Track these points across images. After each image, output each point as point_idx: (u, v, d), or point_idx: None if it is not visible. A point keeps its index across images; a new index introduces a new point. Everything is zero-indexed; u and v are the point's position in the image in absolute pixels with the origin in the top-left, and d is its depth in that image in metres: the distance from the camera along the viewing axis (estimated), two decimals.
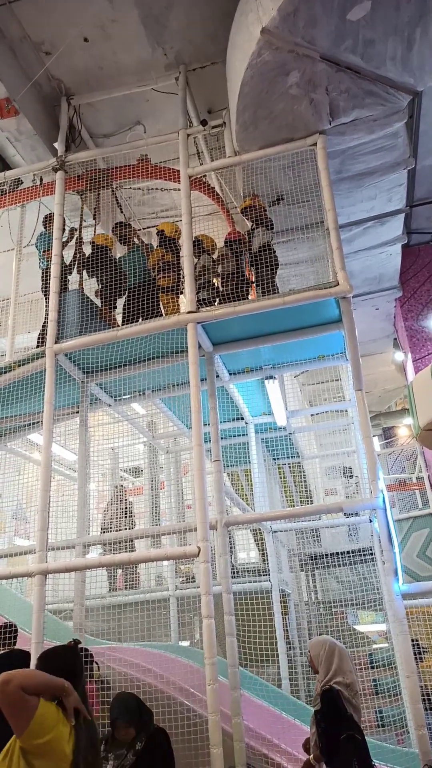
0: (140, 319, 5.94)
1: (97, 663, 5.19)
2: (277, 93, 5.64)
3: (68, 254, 6.57)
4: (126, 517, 8.76)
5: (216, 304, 5.95)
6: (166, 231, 6.48)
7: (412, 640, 4.69)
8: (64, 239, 6.51)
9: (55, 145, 6.85)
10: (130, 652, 6.15)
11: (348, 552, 8.25)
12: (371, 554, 7.55)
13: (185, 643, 8.08)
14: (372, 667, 6.75)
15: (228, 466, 9.12)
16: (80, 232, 6.77)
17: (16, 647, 5.33)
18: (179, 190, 6.25)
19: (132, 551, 7.26)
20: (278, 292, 5.87)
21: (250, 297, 6.47)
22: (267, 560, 8.00)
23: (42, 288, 6.44)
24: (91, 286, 6.56)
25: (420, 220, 9.44)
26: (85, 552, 5.73)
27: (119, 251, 7.49)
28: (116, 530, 8.23)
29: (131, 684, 5.14)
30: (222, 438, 6.68)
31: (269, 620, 7.05)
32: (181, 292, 6.10)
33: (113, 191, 7.23)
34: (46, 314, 6.08)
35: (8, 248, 7.62)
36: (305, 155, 6.10)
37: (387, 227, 8.17)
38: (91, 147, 7.40)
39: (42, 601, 4.87)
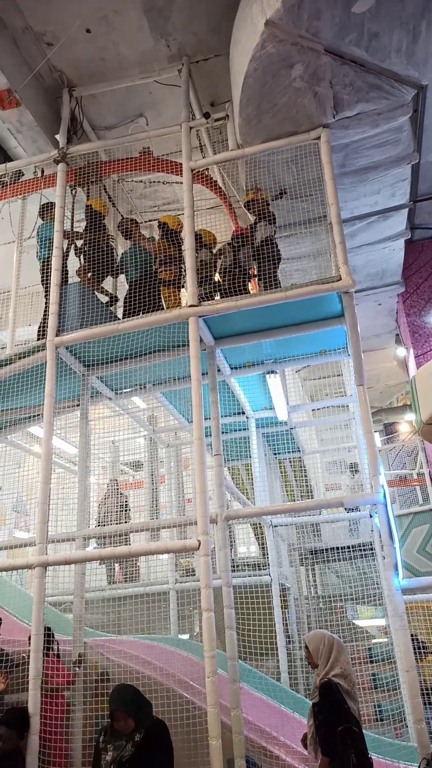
0: (141, 313, 5.93)
1: (83, 655, 5.25)
2: (281, 86, 5.60)
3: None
4: (123, 511, 8.77)
5: (217, 298, 5.94)
6: (169, 224, 6.46)
7: (412, 635, 4.70)
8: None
9: (57, 137, 6.82)
10: (129, 644, 6.17)
11: (348, 547, 8.27)
12: (371, 549, 7.57)
13: (185, 636, 8.11)
14: (371, 662, 6.77)
15: (229, 461, 9.12)
16: (72, 225, 6.76)
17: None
18: (181, 183, 6.22)
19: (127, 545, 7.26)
20: (280, 287, 5.86)
21: (251, 291, 6.46)
22: (267, 554, 8.01)
23: (42, 280, 6.42)
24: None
25: (423, 215, 9.39)
26: (85, 545, 5.74)
27: (122, 246, 7.49)
28: (111, 524, 8.24)
29: (131, 676, 5.17)
30: (223, 432, 6.68)
31: (269, 614, 7.07)
32: (183, 286, 6.09)
33: (104, 187, 7.19)
34: (47, 306, 6.08)
35: (9, 241, 7.60)
36: (309, 149, 6.07)
37: (390, 222, 8.14)
38: (92, 139, 7.37)
39: (42, 593, 4.88)
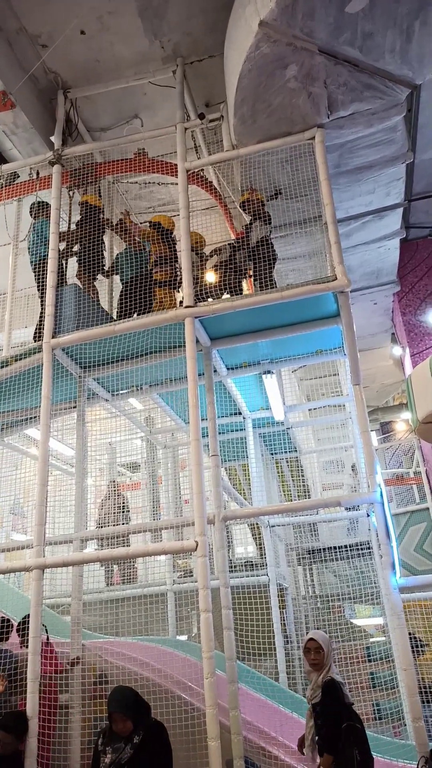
0: (135, 314, 5.92)
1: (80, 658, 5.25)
2: (276, 86, 5.61)
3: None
4: (122, 512, 8.76)
5: (208, 300, 5.94)
6: (162, 223, 6.46)
7: (409, 634, 4.71)
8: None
9: (52, 138, 6.81)
10: (127, 646, 6.16)
11: (345, 546, 8.27)
12: (369, 548, 7.57)
13: (183, 637, 8.10)
14: (369, 661, 6.78)
15: (226, 461, 9.12)
16: (69, 226, 6.77)
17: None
18: (176, 184, 6.22)
19: (127, 546, 7.26)
20: (276, 287, 5.86)
21: (247, 290, 6.46)
22: (264, 554, 8.01)
23: (36, 280, 6.40)
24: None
25: (418, 214, 9.41)
26: (83, 547, 5.74)
27: (117, 247, 7.49)
28: (111, 525, 8.23)
29: (129, 678, 5.16)
30: (220, 433, 6.68)
31: (267, 614, 7.07)
32: (177, 287, 6.09)
33: (98, 190, 7.20)
34: (41, 307, 6.08)
35: (4, 243, 7.58)
36: (303, 149, 6.07)
37: (385, 221, 8.15)
38: (88, 140, 7.37)
39: (39, 595, 4.87)
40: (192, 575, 8.59)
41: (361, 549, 7.72)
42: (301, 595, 10.15)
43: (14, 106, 6.48)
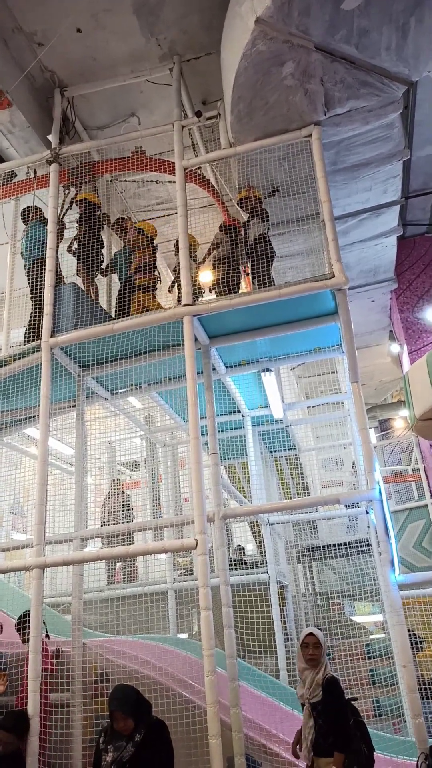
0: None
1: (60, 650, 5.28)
2: (272, 84, 5.60)
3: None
4: (124, 510, 8.77)
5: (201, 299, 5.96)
6: (146, 230, 6.48)
7: (408, 631, 4.72)
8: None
9: (49, 137, 6.80)
10: (128, 644, 6.17)
11: (345, 543, 8.28)
12: (368, 546, 7.59)
13: (184, 635, 8.11)
14: (369, 658, 6.79)
15: (225, 459, 9.13)
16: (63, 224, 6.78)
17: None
18: (174, 182, 6.22)
19: (130, 545, 7.26)
20: (274, 285, 5.86)
21: (245, 288, 6.47)
22: (264, 552, 8.02)
23: (29, 282, 6.40)
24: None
25: (415, 211, 9.43)
26: (83, 546, 5.74)
27: (116, 246, 7.49)
28: (114, 524, 8.23)
29: (130, 676, 5.17)
30: (219, 431, 6.68)
31: (267, 612, 7.08)
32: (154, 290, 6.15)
33: (95, 188, 7.20)
34: (33, 309, 6.09)
35: (2, 242, 7.57)
36: (300, 146, 6.08)
37: (382, 219, 8.15)
38: (85, 139, 7.35)
39: (40, 594, 4.88)
40: (192, 573, 8.60)
41: (361, 546, 7.74)
42: (301, 592, 10.17)
43: (11, 104, 6.47)
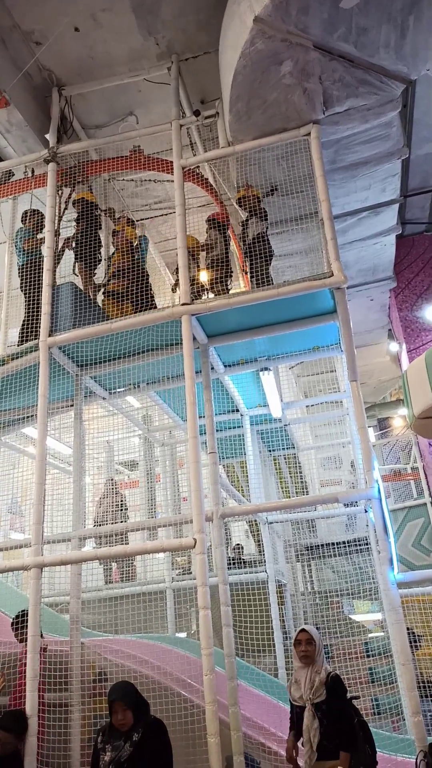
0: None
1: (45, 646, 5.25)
2: (271, 82, 5.60)
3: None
4: (121, 510, 8.76)
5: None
6: (128, 235, 6.47)
7: (407, 629, 4.72)
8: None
9: (47, 136, 6.79)
10: (127, 643, 6.16)
11: (343, 542, 8.28)
12: (367, 544, 7.59)
13: (182, 635, 8.11)
14: (368, 656, 6.79)
15: (224, 458, 9.12)
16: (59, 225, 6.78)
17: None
18: (172, 181, 6.21)
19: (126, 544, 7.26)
20: (272, 284, 5.86)
21: (244, 287, 6.46)
22: (263, 551, 8.02)
23: (21, 285, 6.40)
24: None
25: (414, 210, 9.42)
26: (81, 545, 5.74)
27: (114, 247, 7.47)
28: (109, 523, 8.22)
29: (128, 675, 5.16)
30: (217, 430, 6.68)
31: (266, 610, 7.08)
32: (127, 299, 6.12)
33: (90, 187, 7.20)
34: (26, 310, 6.09)
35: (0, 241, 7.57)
36: (299, 145, 6.07)
37: (381, 217, 8.15)
38: (83, 138, 7.34)
39: (38, 594, 4.87)
40: (191, 572, 8.60)
41: (360, 545, 7.73)
42: (300, 591, 10.17)
43: (8, 103, 6.46)
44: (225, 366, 6.65)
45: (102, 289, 6.53)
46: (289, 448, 9.55)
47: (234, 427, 8.38)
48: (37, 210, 6.77)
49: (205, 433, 5.69)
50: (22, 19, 6.24)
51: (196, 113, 6.60)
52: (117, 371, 6.33)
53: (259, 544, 8.47)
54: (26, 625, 4.91)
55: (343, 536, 9.43)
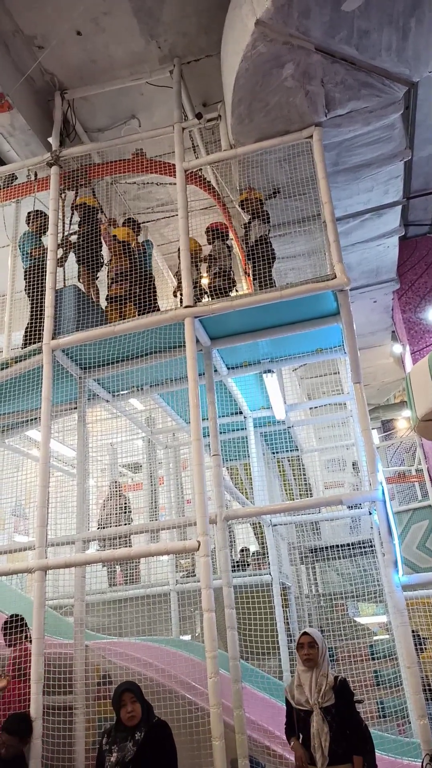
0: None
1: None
2: (273, 85, 5.61)
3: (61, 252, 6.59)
4: (124, 512, 8.76)
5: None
6: (119, 236, 6.47)
7: (412, 631, 4.70)
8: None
9: (50, 140, 6.81)
10: (131, 646, 6.16)
11: (348, 544, 8.27)
12: (371, 546, 7.57)
13: (186, 637, 8.10)
14: (373, 659, 6.77)
15: (227, 461, 9.12)
16: (63, 229, 6.79)
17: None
18: (175, 184, 6.22)
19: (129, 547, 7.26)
20: (275, 286, 5.86)
21: (246, 290, 6.47)
22: (267, 553, 8.01)
23: (25, 288, 6.41)
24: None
25: (417, 211, 9.42)
26: (85, 548, 5.74)
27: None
28: (113, 526, 8.22)
29: (133, 678, 5.15)
30: (221, 432, 6.68)
31: (270, 613, 7.07)
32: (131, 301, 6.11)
33: (93, 191, 7.22)
34: (30, 314, 6.10)
35: (3, 244, 7.58)
36: (301, 148, 6.08)
37: (384, 219, 8.15)
38: (85, 141, 7.36)
39: (42, 596, 4.87)
40: (195, 575, 8.59)
41: (364, 547, 7.72)
42: (304, 593, 10.15)
43: (11, 107, 6.49)
44: (228, 368, 6.65)
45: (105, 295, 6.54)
46: (292, 450, 9.54)
47: (237, 430, 8.37)
48: (41, 211, 6.78)
49: (208, 435, 5.68)
50: (25, 23, 6.27)
51: (199, 116, 6.61)
52: (120, 374, 6.33)
53: (263, 547, 8.46)
54: (15, 630, 4.94)
55: (347, 538, 9.41)
